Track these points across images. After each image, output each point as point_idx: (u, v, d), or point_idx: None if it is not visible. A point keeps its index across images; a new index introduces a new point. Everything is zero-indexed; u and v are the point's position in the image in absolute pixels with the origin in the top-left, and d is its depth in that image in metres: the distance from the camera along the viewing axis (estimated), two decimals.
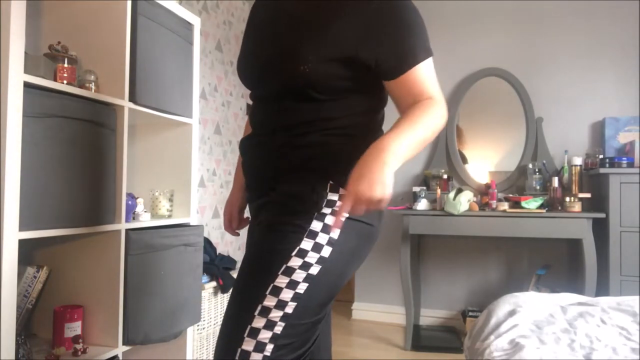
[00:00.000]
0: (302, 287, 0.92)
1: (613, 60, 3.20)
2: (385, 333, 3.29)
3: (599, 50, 3.23)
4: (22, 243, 1.30)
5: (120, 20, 1.61)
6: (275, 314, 0.90)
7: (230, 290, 1.00)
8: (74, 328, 1.55)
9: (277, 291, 0.90)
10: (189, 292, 1.90)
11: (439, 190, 3.08)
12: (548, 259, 3.25)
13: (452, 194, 2.89)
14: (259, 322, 0.89)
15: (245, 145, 1.11)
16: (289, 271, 0.92)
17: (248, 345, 0.88)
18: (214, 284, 2.30)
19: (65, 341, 1.53)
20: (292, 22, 1.01)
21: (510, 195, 3.10)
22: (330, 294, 0.97)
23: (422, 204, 3.03)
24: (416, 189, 3.21)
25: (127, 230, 1.61)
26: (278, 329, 0.90)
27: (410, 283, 3.00)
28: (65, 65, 1.49)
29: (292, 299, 0.91)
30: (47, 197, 1.36)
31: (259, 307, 0.90)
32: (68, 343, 1.53)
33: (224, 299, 2.42)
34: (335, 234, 0.95)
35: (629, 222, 2.71)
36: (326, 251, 0.94)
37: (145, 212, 1.83)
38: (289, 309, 0.90)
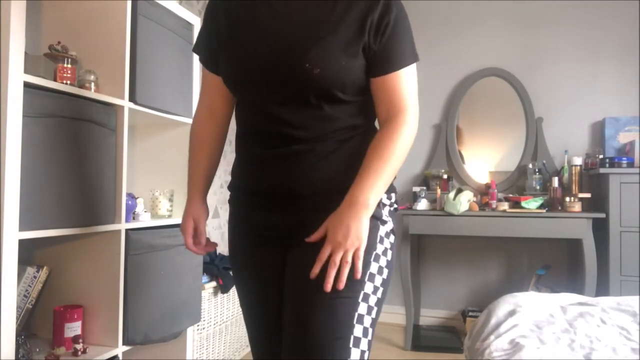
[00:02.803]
0: (385, 273, 1.00)
1: (613, 60, 3.19)
2: (385, 333, 3.29)
3: (599, 50, 3.22)
4: (22, 243, 1.30)
5: (120, 20, 1.61)
6: (372, 299, 0.96)
7: (305, 286, 0.96)
8: (74, 328, 1.55)
9: (372, 277, 0.97)
10: (189, 292, 1.90)
11: (439, 190, 3.08)
12: (548, 259, 3.25)
13: (452, 194, 2.89)
14: (363, 309, 0.94)
15: (257, 157, 1.03)
16: (377, 258, 0.99)
17: (358, 331, 0.93)
18: (214, 284, 2.30)
19: (65, 341, 1.53)
20: (303, 23, 0.97)
21: (510, 195, 3.11)
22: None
23: (422, 204, 3.03)
24: (416, 189, 3.21)
25: (127, 230, 1.61)
26: (374, 313, 0.97)
27: (410, 283, 3.00)
28: (65, 65, 1.49)
29: (381, 284, 0.99)
30: (47, 198, 1.36)
31: (362, 294, 0.95)
32: (68, 343, 1.53)
33: (224, 299, 2.42)
34: (389, 226, 1.04)
35: (629, 222, 2.71)
36: (392, 239, 1.04)
37: (145, 212, 1.83)
38: (380, 294, 0.98)
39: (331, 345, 0.91)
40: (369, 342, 0.95)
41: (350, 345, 0.91)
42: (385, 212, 1.04)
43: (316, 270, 0.92)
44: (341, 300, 0.93)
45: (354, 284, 0.94)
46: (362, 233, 0.92)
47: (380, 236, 1.00)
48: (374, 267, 0.97)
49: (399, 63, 0.99)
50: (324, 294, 0.91)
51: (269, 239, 1.07)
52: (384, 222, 1.03)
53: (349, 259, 0.91)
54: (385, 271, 1.00)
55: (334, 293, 0.91)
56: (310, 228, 0.97)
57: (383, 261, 0.99)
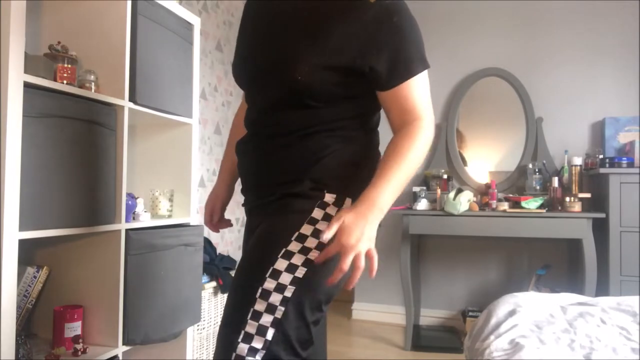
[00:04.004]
0: (300, 272, 0.92)
1: (613, 60, 3.20)
2: (385, 333, 3.29)
3: (599, 50, 3.23)
4: (22, 243, 1.30)
5: (120, 20, 1.61)
6: (276, 297, 0.90)
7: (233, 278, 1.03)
8: (74, 328, 1.55)
9: (276, 274, 0.91)
10: (189, 292, 1.90)
11: (439, 190, 3.08)
12: (548, 259, 3.25)
13: (452, 194, 2.89)
14: (260, 306, 0.90)
15: (242, 149, 1.11)
16: (288, 255, 0.93)
17: (250, 328, 0.90)
18: (214, 284, 2.30)
19: (65, 341, 1.53)
20: (291, 28, 0.99)
21: (510, 195, 3.10)
22: (325, 292, 0.96)
23: (422, 204, 3.03)
24: (416, 189, 3.21)
25: (127, 230, 1.61)
26: (279, 313, 0.90)
27: (410, 283, 3.00)
28: (65, 65, 1.49)
29: (291, 283, 0.91)
30: (47, 197, 1.36)
31: (260, 290, 0.91)
32: (68, 343, 1.53)
33: (224, 299, 2.41)
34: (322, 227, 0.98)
35: (629, 222, 2.71)
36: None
37: (145, 212, 1.83)
38: (288, 293, 0.91)
39: (221, 335, 0.93)
40: (268, 343, 0.89)
41: (239, 340, 0.89)
42: (320, 211, 0.97)
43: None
44: (240, 293, 0.94)
45: (253, 277, 0.92)
46: (373, 235, 0.90)
47: (300, 234, 0.94)
48: (280, 264, 0.91)
49: (406, 74, 0.96)
50: (237, 285, 0.96)
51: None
52: (316, 221, 0.96)
53: (362, 264, 0.87)
54: (302, 270, 0.92)
55: (241, 287, 0.95)
56: (256, 222, 1.05)
57: (297, 259, 0.92)
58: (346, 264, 0.86)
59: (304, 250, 0.93)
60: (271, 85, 1.00)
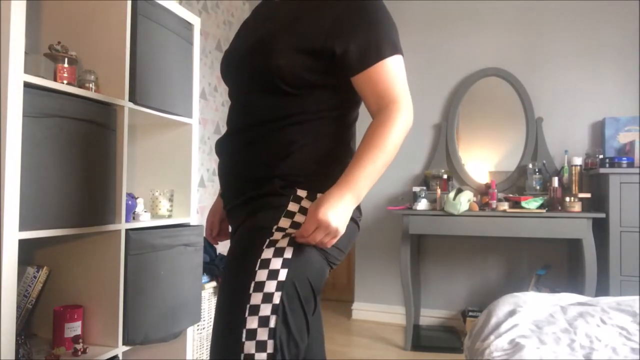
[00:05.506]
0: (289, 252, 0.94)
1: (613, 60, 3.19)
2: (385, 333, 3.29)
3: (599, 50, 3.22)
4: (22, 243, 1.30)
5: (120, 20, 1.61)
6: (270, 285, 0.91)
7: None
8: (74, 328, 1.55)
9: (266, 263, 0.93)
10: (189, 292, 1.90)
11: (439, 190, 3.08)
12: (548, 259, 3.25)
13: (452, 194, 2.89)
14: (256, 299, 0.91)
15: (220, 149, 1.12)
16: (273, 243, 0.95)
17: (252, 323, 0.90)
18: (214, 284, 2.30)
19: (65, 341, 1.53)
20: (271, 20, 1.05)
21: (510, 195, 3.10)
22: (315, 275, 0.97)
23: (422, 204, 3.03)
24: (416, 189, 3.21)
25: (127, 230, 1.61)
26: (276, 298, 0.91)
27: (410, 283, 3.00)
28: (65, 65, 1.49)
29: (282, 266, 0.93)
30: (47, 197, 1.36)
31: (252, 284, 0.92)
32: (68, 343, 1.53)
33: None
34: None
35: (629, 222, 2.71)
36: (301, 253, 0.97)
37: (145, 212, 1.83)
38: (282, 276, 0.92)
39: (218, 337, 0.94)
40: (273, 332, 0.90)
41: (243, 339, 0.89)
42: (296, 205, 0.98)
43: (300, 239, 0.93)
44: (232, 289, 0.94)
45: (242, 275, 0.93)
46: (348, 215, 0.92)
47: (279, 227, 0.96)
48: (267, 253, 0.93)
49: (377, 56, 0.97)
50: (226, 285, 0.96)
51: None
52: (293, 214, 0.97)
53: (326, 241, 0.92)
54: (289, 250, 0.94)
55: (232, 287, 0.95)
56: (234, 222, 1.07)
57: (283, 242, 0.94)
58: (316, 237, 0.90)
59: (287, 237, 0.95)
60: (247, 67, 1.03)
